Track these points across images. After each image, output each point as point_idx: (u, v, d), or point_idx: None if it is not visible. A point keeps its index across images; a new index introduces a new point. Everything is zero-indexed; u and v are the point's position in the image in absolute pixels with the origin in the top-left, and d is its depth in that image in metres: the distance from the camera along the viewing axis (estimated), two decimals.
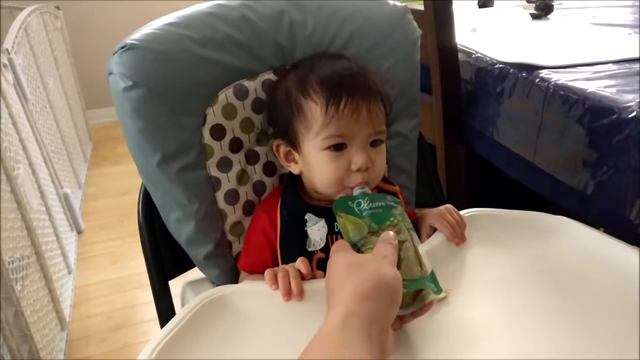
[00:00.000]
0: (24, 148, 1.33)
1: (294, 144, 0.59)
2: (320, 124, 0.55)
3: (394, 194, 0.59)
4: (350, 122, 0.55)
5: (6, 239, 1.01)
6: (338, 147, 0.56)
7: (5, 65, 1.37)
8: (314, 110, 0.56)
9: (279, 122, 0.60)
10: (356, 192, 0.55)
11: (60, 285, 1.35)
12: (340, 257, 0.44)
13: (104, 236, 1.78)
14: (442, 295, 0.50)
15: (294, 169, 0.61)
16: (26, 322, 1.01)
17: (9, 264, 0.98)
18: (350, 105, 0.55)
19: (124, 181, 2.16)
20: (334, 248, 0.47)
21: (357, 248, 0.48)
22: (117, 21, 2.68)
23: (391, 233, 0.47)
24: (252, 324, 0.49)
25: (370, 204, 0.52)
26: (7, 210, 1.06)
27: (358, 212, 0.51)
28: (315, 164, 0.57)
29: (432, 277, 0.47)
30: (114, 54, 0.58)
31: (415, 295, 0.47)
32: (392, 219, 0.50)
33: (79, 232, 1.80)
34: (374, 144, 0.57)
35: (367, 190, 0.55)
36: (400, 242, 0.47)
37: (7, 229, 1.03)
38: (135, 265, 1.59)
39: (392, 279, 0.41)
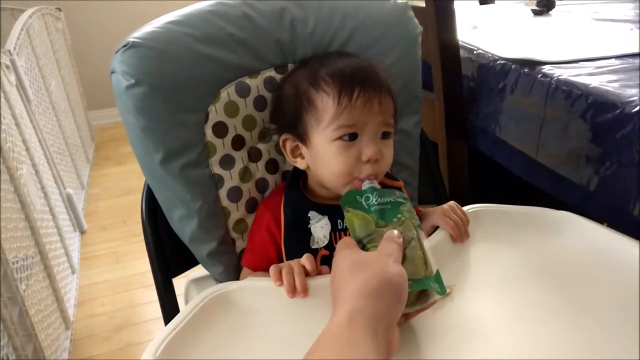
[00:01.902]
0: (27, 149, 1.33)
1: (302, 137, 0.59)
2: (332, 115, 0.55)
3: (398, 189, 0.59)
4: (362, 113, 0.55)
5: (10, 239, 1.01)
6: (349, 138, 0.56)
7: (7, 67, 1.37)
8: (326, 101, 0.56)
9: (286, 116, 0.60)
10: (365, 186, 0.54)
11: (64, 285, 1.36)
12: (345, 255, 0.44)
13: (107, 236, 1.79)
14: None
15: (301, 164, 0.61)
16: (31, 322, 1.01)
17: (13, 263, 0.99)
18: (362, 97, 0.55)
19: (126, 181, 2.16)
20: (339, 246, 0.47)
21: (362, 245, 0.48)
22: (117, 22, 2.68)
23: (395, 232, 0.47)
24: (256, 321, 0.50)
25: (379, 199, 0.51)
26: (11, 211, 1.06)
27: (366, 206, 0.51)
28: (325, 155, 0.57)
29: (437, 277, 0.47)
30: (116, 53, 0.58)
31: (419, 294, 0.46)
32: (399, 215, 0.50)
33: (82, 232, 1.80)
34: (383, 136, 0.58)
35: (376, 184, 0.55)
36: (407, 241, 0.47)
37: (11, 229, 1.03)
38: (137, 264, 1.59)
39: (397, 276, 0.41)
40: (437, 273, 0.47)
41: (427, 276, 0.46)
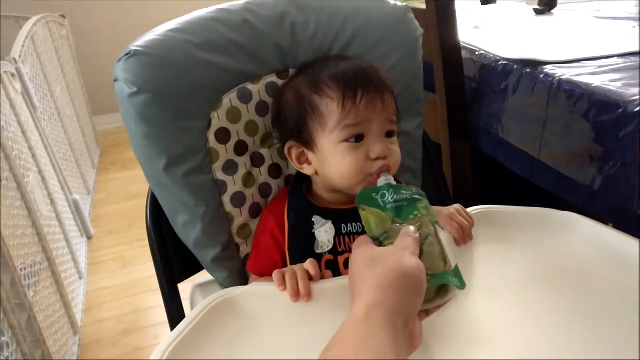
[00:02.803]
0: (34, 156, 1.34)
1: (308, 143, 0.59)
2: (337, 118, 0.56)
3: None
4: (366, 113, 0.56)
5: (18, 245, 1.02)
6: (355, 140, 0.56)
7: (13, 75, 1.38)
8: (330, 106, 0.56)
9: (290, 124, 0.60)
10: (380, 182, 0.54)
11: (71, 291, 1.37)
12: (362, 251, 0.44)
13: (113, 241, 1.80)
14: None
15: (308, 171, 0.61)
16: (39, 327, 1.02)
17: (21, 270, 1.00)
18: (366, 97, 0.56)
19: (132, 186, 2.18)
20: (355, 244, 0.47)
21: (378, 242, 0.47)
22: (121, 29, 2.71)
23: (412, 227, 0.46)
24: (261, 326, 0.50)
25: (395, 197, 0.50)
26: (18, 218, 1.08)
27: (382, 204, 0.50)
28: (333, 158, 0.57)
29: (456, 272, 0.46)
30: (118, 61, 0.59)
31: (439, 289, 0.46)
32: (416, 212, 0.49)
33: (89, 237, 1.81)
34: (387, 135, 0.58)
35: (392, 180, 0.55)
36: (424, 237, 0.47)
37: (18, 236, 1.04)
38: (144, 269, 1.60)
39: (414, 269, 0.41)
40: (456, 267, 0.47)
41: (445, 271, 0.46)
